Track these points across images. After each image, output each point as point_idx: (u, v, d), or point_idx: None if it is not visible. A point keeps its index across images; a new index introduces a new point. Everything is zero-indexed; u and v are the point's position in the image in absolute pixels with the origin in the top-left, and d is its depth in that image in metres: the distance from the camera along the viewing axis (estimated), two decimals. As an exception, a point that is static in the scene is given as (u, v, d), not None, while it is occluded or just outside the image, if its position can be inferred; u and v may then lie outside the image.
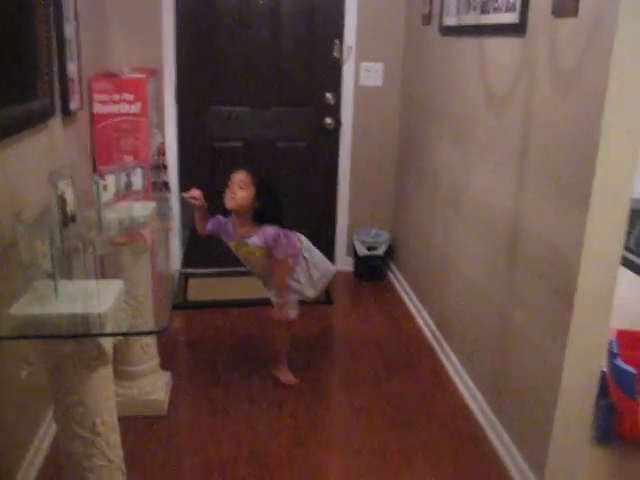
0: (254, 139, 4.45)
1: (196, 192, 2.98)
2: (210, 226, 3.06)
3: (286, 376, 3.21)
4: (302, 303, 3.21)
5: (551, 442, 2.35)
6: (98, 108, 3.50)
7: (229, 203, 2.93)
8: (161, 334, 2.56)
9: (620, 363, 2.65)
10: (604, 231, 2.13)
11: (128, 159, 3.55)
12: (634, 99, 2.02)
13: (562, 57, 2.27)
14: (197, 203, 2.98)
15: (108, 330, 1.72)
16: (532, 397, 2.50)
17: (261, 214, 2.96)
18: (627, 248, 5.45)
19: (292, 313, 3.17)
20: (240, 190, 2.90)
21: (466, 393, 3.12)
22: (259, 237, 2.98)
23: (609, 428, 2.69)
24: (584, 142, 2.11)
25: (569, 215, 2.22)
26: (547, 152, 2.39)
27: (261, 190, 2.94)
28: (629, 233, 5.92)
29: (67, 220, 2.30)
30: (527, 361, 2.55)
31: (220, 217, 3.04)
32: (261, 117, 4.40)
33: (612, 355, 2.69)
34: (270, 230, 2.97)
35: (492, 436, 2.80)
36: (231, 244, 3.06)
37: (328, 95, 4.41)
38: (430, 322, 3.74)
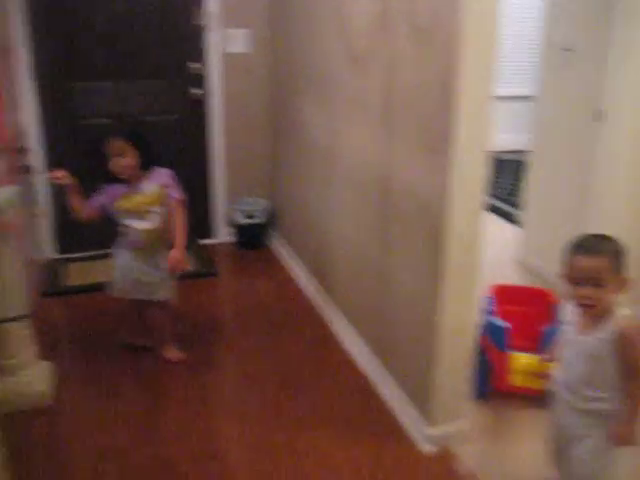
0: (121, 115, 4.30)
1: (59, 172, 2.83)
2: (96, 203, 2.91)
3: (173, 353, 3.17)
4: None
5: (435, 387, 2.44)
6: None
7: (121, 174, 2.88)
8: (23, 320, 2.43)
9: (493, 319, 2.78)
10: (466, 179, 2.22)
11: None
12: (487, 51, 2.10)
13: (419, 10, 2.31)
14: (64, 182, 2.83)
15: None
16: (414, 345, 2.58)
17: (147, 161, 2.92)
18: (497, 197, 5.72)
19: (164, 295, 3.09)
20: (122, 158, 2.84)
21: (353, 349, 3.19)
22: (154, 179, 2.95)
23: (485, 383, 2.80)
24: (443, 94, 2.18)
25: (434, 166, 2.28)
26: (410, 106, 2.44)
27: (138, 144, 2.89)
28: (496, 182, 6.20)
29: None
30: (406, 310, 2.62)
31: (108, 188, 2.92)
32: (126, 91, 4.25)
33: (486, 312, 2.82)
34: (163, 170, 2.97)
35: (380, 387, 2.88)
36: (120, 203, 2.91)
37: (194, 65, 4.32)
38: (313, 284, 3.78)
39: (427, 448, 2.50)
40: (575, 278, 1.85)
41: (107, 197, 2.92)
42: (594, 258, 1.81)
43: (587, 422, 1.94)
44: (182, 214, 3.01)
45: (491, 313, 2.83)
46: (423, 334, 2.48)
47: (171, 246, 2.97)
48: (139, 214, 2.94)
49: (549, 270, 3.92)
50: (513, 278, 4.09)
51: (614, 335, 1.84)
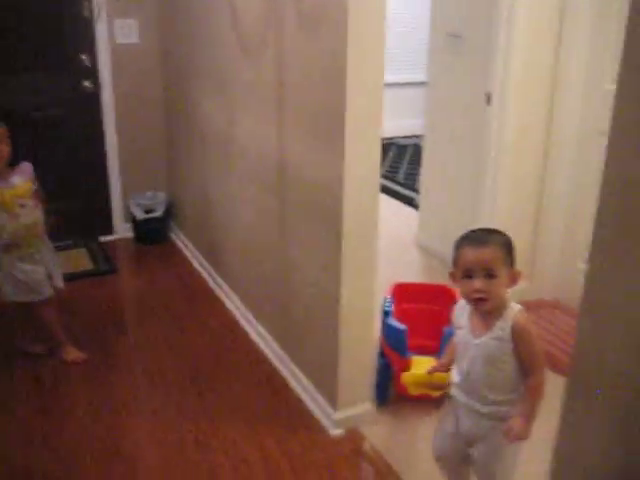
0: (6, 110, 4.10)
1: None
2: None
3: (73, 354, 3.07)
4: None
5: (338, 372, 2.47)
6: None
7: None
8: None
9: (391, 321, 2.61)
10: (360, 164, 2.25)
11: None
12: (375, 37, 2.13)
13: (303, -3, 2.32)
14: None
15: None
16: (317, 330, 2.60)
17: (14, 156, 2.80)
18: (396, 181, 5.83)
19: (49, 292, 2.98)
20: (5, 146, 2.72)
21: (257, 338, 3.19)
22: (22, 175, 2.83)
23: (387, 387, 2.70)
24: (333, 82, 2.20)
25: (328, 152, 2.30)
26: (302, 94, 2.45)
27: (9, 134, 2.75)
28: (396, 167, 6.32)
29: None
30: (307, 296, 2.64)
31: None
32: (12, 85, 4.06)
33: (384, 313, 2.67)
34: (26, 164, 2.87)
35: (286, 374, 2.89)
36: None
37: (83, 56, 4.18)
38: (215, 275, 3.75)
39: (335, 432, 2.53)
40: (465, 270, 1.74)
41: None
42: (483, 248, 1.72)
43: (488, 424, 1.81)
44: (44, 207, 2.94)
45: (390, 314, 2.66)
46: (324, 321, 2.51)
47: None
48: (12, 210, 2.78)
49: (444, 251, 4.03)
50: (412, 259, 4.19)
51: (509, 331, 1.73)
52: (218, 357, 3.09)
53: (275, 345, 3.01)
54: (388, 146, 6.95)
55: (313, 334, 2.65)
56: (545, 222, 3.45)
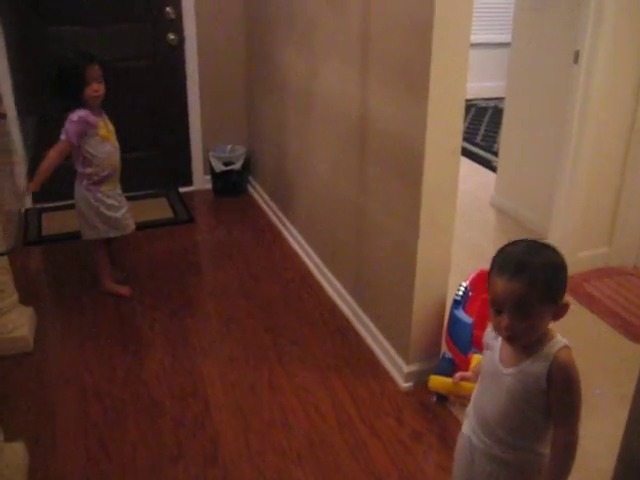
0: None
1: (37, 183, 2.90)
2: (75, 136, 2.88)
3: (118, 289, 3.25)
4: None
5: (412, 326, 2.50)
6: None
7: (98, 102, 2.89)
8: (3, 255, 2.43)
9: (458, 312, 2.48)
10: (444, 121, 2.24)
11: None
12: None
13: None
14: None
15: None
16: (392, 284, 2.63)
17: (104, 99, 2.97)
18: (474, 143, 5.75)
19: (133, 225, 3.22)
20: (101, 85, 2.86)
21: (331, 291, 3.24)
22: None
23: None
24: (420, 36, 2.17)
25: (411, 108, 2.30)
26: (387, 46, 2.44)
27: (105, 76, 2.91)
28: (475, 129, 6.22)
29: None
30: (384, 250, 2.67)
31: (77, 115, 2.88)
32: (98, 37, 4.17)
33: (454, 303, 2.53)
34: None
35: (359, 327, 2.94)
36: (100, 131, 2.94)
37: (168, 9, 4.24)
38: (292, 228, 3.81)
39: (405, 385, 2.57)
40: (494, 303, 1.42)
41: (85, 125, 2.90)
42: (515, 282, 1.36)
43: (502, 473, 1.50)
44: None
45: (459, 305, 2.50)
46: (400, 275, 2.53)
47: None
48: (112, 142, 3.00)
49: (520, 213, 4.00)
50: (487, 220, 4.16)
51: (547, 369, 1.40)
52: (292, 307, 3.16)
53: (349, 297, 3.06)
54: (468, 107, 6.83)
55: (388, 287, 2.68)
56: (627, 188, 3.36)
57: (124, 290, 3.25)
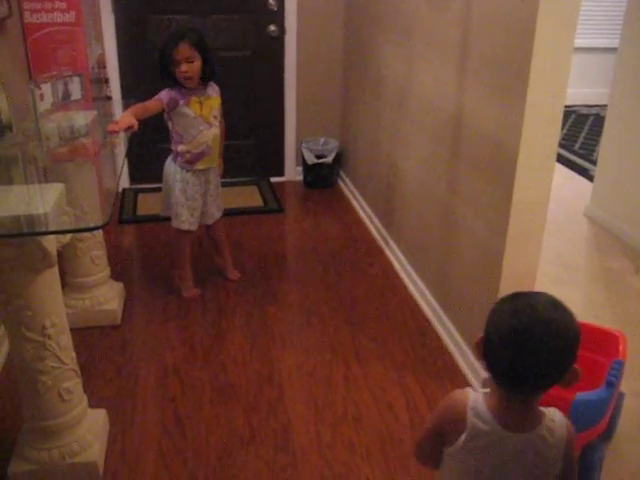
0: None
1: (120, 125, 2.63)
2: (167, 96, 2.86)
3: (186, 289, 3.22)
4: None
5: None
6: (30, 17, 3.37)
7: (189, 83, 2.86)
8: (101, 228, 2.49)
9: None
10: (540, 126, 2.18)
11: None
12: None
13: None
14: (133, 130, 2.69)
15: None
16: (475, 289, 2.59)
17: (208, 73, 2.91)
18: (572, 150, 5.57)
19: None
20: (190, 64, 2.82)
21: (414, 290, 3.22)
22: (212, 89, 2.99)
23: None
24: (521, 37, 2.13)
25: (507, 110, 2.25)
26: (486, 47, 2.40)
27: (203, 52, 2.85)
28: (573, 136, 6.03)
29: (2, 129, 2.26)
30: (470, 255, 2.63)
31: (169, 91, 2.88)
32: (202, 25, 4.27)
33: None
34: (215, 85, 3.01)
35: (439, 328, 2.91)
36: (192, 105, 2.90)
37: (271, 1, 4.31)
38: (379, 224, 3.81)
39: (481, 390, 2.53)
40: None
41: (179, 94, 2.88)
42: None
43: None
44: (225, 128, 3.13)
45: None
46: (484, 280, 2.49)
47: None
48: (207, 120, 2.95)
49: (616, 226, 3.85)
50: (580, 230, 4.03)
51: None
52: (373, 303, 3.16)
53: (431, 297, 3.03)
54: (567, 114, 6.64)
55: (471, 293, 2.64)
56: None
57: (191, 292, 3.21)
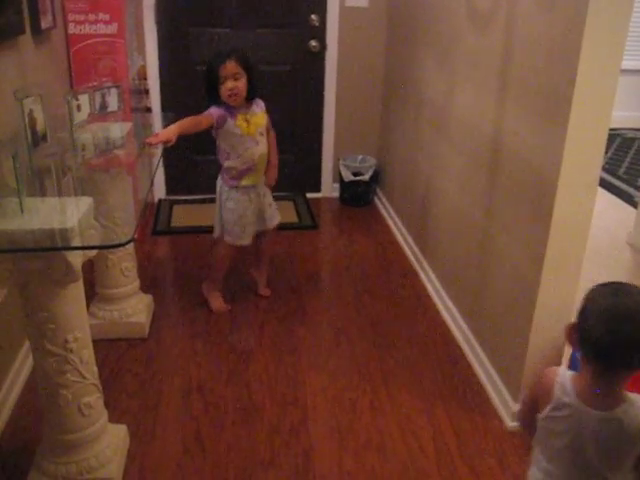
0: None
1: (159, 137, 2.59)
2: (217, 113, 2.86)
3: (216, 303, 3.19)
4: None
5: (525, 364, 2.37)
6: (73, 28, 3.40)
7: (233, 101, 2.85)
8: (123, 246, 2.46)
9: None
10: (582, 152, 2.10)
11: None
12: (616, 17, 1.96)
13: (545, -32, 2.19)
14: (168, 144, 2.64)
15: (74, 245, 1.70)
16: (510, 319, 2.51)
17: (251, 92, 2.91)
18: (616, 175, 5.44)
19: (278, 219, 3.20)
20: (236, 82, 2.82)
21: (446, 315, 3.15)
22: (258, 106, 2.99)
23: None
24: (564, 60, 2.06)
25: (548, 135, 2.18)
26: (528, 70, 2.33)
27: (249, 70, 2.86)
28: (618, 160, 5.89)
29: (38, 139, 2.26)
30: (505, 282, 2.55)
31: (218, 108, 2.88)
32: (244, 39, 4.28)
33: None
34: (260, 100, 3.01)
35: (471, 357, 2.83)
36: (239, 123, 2.89)
37: (313, 17, 4.30)
38: (414, 246, 3.74)
39: (512, 424, 2.44)
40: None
41: (226, 112, 2.88)
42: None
43: None
44: (274, 138, 3.11)
45: None
46: (519, 309, 2.41)
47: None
48: (254, 137, 2.94)
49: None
50: (623, 260, 3.91)
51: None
52: (404, 327, 3.09)
53: (463, 324, 2.95)
54: (612, 137, 6.50)
55: (505, 321, 2.56)
56: None
57: (221, 306, 3.20)
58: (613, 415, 1.40)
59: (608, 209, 4.61)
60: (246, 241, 3.09)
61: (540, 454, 1.56)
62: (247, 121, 2.91)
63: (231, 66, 2.80)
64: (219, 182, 3.07)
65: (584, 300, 1.43)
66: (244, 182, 2.99)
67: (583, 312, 1.42)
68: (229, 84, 2.80)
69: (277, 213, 3.21)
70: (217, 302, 3.19)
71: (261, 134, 2.98)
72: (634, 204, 4.57)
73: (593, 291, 1.43)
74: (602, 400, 1.42)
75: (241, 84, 2.83)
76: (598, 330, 1.36)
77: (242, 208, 3.02)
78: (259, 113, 2.97)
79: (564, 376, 1.48)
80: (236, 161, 2.95)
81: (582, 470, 1.48)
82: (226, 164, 2.98)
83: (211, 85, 2.85)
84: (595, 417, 1.41)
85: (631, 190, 5.07)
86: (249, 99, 2.92)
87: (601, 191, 4.83)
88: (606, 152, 5.91)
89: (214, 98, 2.87)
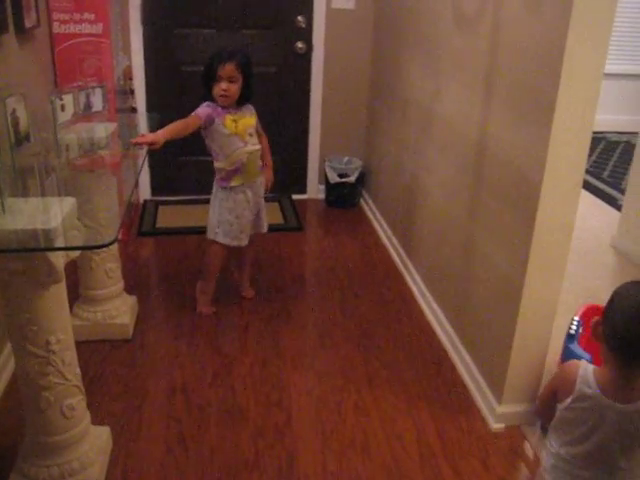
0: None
1: (146, 138, 2.58)
2: (204, 113, 2.84)
3: (201, 305, 3.18)
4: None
5: (509, 365, 2.38)
6: (58, 28, 3.38)
7: (224, 101, 2.85)
8: (107, 247, 2.44)
9: (575, 347, 2.31)
10: (566, 154, 2.11)
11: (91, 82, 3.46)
12: (599, 21, 1.97)
13: (530, -29, 2.20)
14: (154, 148, 2.61)
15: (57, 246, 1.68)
16: (494, 321, 2.52)
17: (245, 96, 2.92)
18: (600, 178, 5.48)
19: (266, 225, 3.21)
20: (231, 84, 2.82)
21: (431, 317, 3.15)
22: (247, 109, 2.99)
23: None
24: (548, 63, 2.07)
25: (532, 137, 2.19)
26: (513, 73, 2.34)
27: (247, 76, 2.87)
28: (602, 163, 5.94)
29: (21, 139, 2.24)
30: (490, 284, 2.56)
31: (208, 104, 2.88)
32: (229, 40, 4.26)
33: (569, 337, 2.37)
34: (251, 106, 3.01)
35: (455, 358, 2.84)
36: (227, 123, 2.88)
37: (299, 18, 4.30)
38: (399, 247, 3.75)
39: (495, 426, 2.45)
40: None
41: (215, 111, 2.87)
42: None
43: None
44: (266, 140, 3.11)
45: (574, 339, 2.34)
46: (503, 310, 2.42)
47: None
48: (243, 137, 2.93)
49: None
50: (606, 263, 3.94)
51: None
52: (389, 328, 3.09)
53: (448, 326, 2.96)
54: (597, 140, 6.54)
55: (489, 322, 2.57)
56: None
57: (206, 308, 3.18)
58: (633, 408, 1.49)
59: (592, 212, 4.64)
60: (243, 242, 3.08)
61: (554, 440, 1.64)
62: (235, 121, 2.91)
63: (230, 69, 2.81)
64: (213, 185, 3.07)
65: (613, 295, 1.50)
66: (233, 183, 2.98)
67: (611, 307, 1.49)
68: (223, 85, 2.81)
69: (266, 219, 3.22)
70: (203, 304, 3.18)
71: (250, 135, 2.97)
72: (618, 207, 4.61)
73: (622, 287, 1.51)
74: (624, 393, 1.49)
75: (234, 87, 2.84)
76: (624, 325, 1.44)
77: (240, 208, 3.01)
78: (248, 116, 2.97)
79: (587, 369, 1.55)
80: (224, 162, 2.94)
81: (595, 457, 1.56)
82: (215, 165, 2.98)
83: (207, 81, 2.86)
84: (617, 410, 1.49)
85: (615, 193, 5.11)
86: (241, 102, 2.92)
87: (585, 194, 4.86)
88: (590, 155, 5.97)
89: (208, 92, 2.88)
